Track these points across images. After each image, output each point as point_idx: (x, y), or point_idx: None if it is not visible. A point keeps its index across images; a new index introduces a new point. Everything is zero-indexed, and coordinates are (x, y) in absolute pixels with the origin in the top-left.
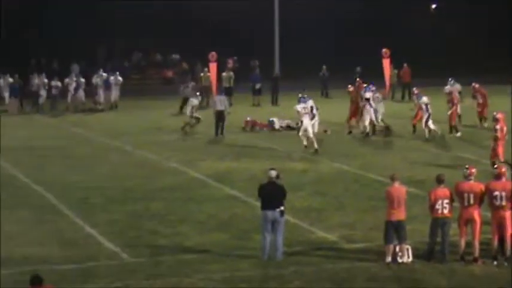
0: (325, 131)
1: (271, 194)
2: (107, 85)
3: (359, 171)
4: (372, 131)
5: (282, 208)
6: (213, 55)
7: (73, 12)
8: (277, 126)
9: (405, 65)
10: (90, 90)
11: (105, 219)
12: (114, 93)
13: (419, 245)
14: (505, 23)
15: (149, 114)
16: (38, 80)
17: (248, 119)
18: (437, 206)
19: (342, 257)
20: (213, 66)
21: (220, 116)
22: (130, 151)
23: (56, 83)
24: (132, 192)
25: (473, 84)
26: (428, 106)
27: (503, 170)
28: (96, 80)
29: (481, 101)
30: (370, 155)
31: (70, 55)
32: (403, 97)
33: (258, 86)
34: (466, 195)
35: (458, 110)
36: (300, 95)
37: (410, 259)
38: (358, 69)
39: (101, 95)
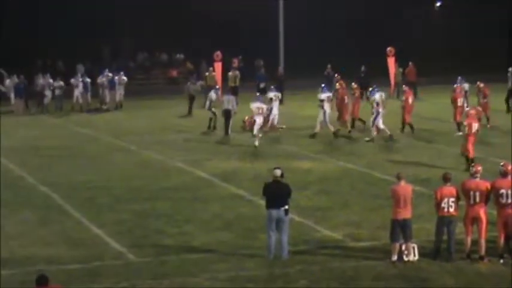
0: (281, 128)
1: (276, 193)
2: (112, 85)
3: (364, 169)
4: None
5: (287, 207)
6: (218, 54)
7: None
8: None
9: (410, 63)
10: (95, 90)
11: (111, 219)
12: (119, 93)
13: (425, 243)
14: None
15: (154, 114)
16: (43, 80)
17: (246, 117)
18: (443, 205)
19: (348, 256)
20: (218, 66)
21: (227, 115)
22: (136, 151)
23: (59, 83)
24: (138, 192)
25: (478, 83)
26: (379, 105)
27: (510, 168)
28: (102, 79)
29: (484, 100)
30: (375, 154)
31: (75, 55)
32: None
33: (262, 85)
34: (472, 193)
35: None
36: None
37: (417, 257)
38: (363, 68)
39: (107, 94)
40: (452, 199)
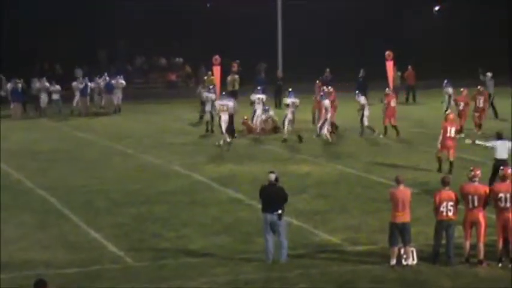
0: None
1: (271, 197)
2: (109, 88)
3: (362, 173)
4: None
5: (280, 211)
6: (216, 58)
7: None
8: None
9: (409, 67)
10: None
11: (108, 223)
12: (117, 97)
13: (424, 247)
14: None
15: (153, 118)
16: (39, 84)
17: (245, 117)
18: (441, 208)
19: (346, 260)
20: (216, 70)
21: (231, 119)
22: (134, 155)
23: (56, 87)
24: (135, 195)
25: (478, 86)
26: (365, 107)
27: (509, 172)
28: (100, 83)
29: (481, 105)
30: (373, 157)
31: (72, 59)
32: (407, 99)
33: (259, 88)
34: (470, 197)
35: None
36: None
37: (415, 261)
38: (362, 71)
39: (103, 98)
40: (451, 203)
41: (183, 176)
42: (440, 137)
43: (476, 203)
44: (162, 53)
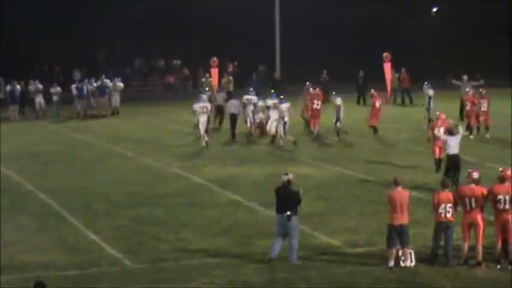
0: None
1: (282, 198)
2: (101, 91)
3: (361, 175)
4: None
5: (289, 213)
6: (214, 60)
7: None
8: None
9: (403, 70)
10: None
11: (108, 225)
12: (115, 99)
13: (422, 248)
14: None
15: (151, 120)
16: (33, 86)
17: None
18: (440, 210)
19: (346, 262)
20: (214, 72)
21: (234, 120)
22: (133, 157)
23: (56, 89)
24: (134, 198)
25: (480, 89)
26: (340, 109)
27: (508, 173)
28: (94, 86)
29: (485, 108)
30: (372, 159)
31: (72, 60)
32: (403, 102)
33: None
34: (467, 199)
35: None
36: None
37: (414, 263)
38: (361, 73)
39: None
40: (449, 205)
41: (182, 178)
42: (431, 138)
43: (473, 205)
44: (160, 54)
